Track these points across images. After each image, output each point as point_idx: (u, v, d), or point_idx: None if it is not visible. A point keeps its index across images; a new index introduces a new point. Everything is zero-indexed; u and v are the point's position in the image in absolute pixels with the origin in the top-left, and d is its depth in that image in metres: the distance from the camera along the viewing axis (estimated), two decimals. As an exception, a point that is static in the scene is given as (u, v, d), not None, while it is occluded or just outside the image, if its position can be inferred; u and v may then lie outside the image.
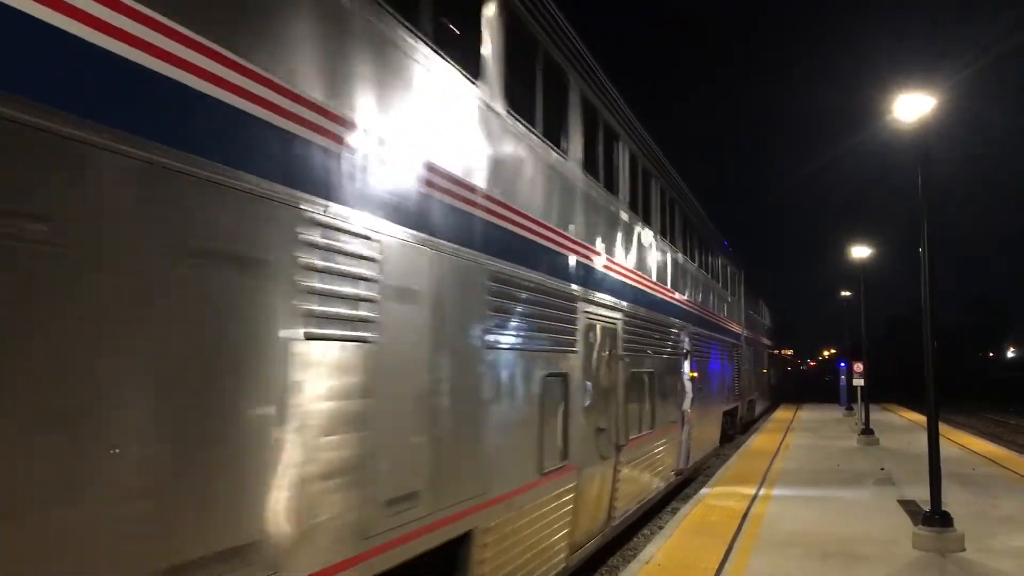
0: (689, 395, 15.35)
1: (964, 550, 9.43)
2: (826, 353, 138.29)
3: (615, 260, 10.56)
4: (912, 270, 11.02)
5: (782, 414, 37.34)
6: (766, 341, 43.13)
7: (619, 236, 10.96)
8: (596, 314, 9.38)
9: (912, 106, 10.57)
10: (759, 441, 23.61)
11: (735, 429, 25.99)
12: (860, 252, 27.84)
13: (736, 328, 27.15)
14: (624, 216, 11.25)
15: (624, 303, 10.88)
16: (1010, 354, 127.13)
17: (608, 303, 10.00)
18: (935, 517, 9.73)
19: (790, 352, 61.35)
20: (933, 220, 10.73)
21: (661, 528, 11.72)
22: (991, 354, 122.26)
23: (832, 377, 59.29)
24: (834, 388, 45.57)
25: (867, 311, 28.19)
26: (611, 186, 10.74)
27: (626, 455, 10.54)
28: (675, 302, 15.05)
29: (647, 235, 12.77)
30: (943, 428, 13.87)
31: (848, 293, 40.85)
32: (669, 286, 14.51)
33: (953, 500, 10.99)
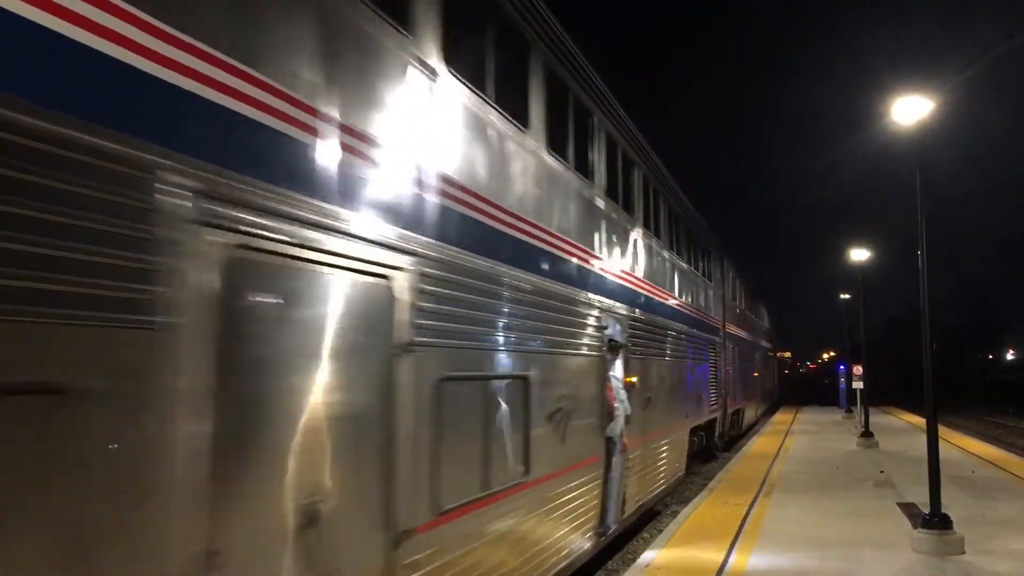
0: (622, 412, 10.40)
1: (964, 553, 9.42)
2: (826, 356, 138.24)
3: (375, 140, 4.99)
4: (911, 271, 10.98)
5: (782, 417, 37.33)
6: (760, 341, 37.98)
7: (405, 101, 5.44)
8: (275, 237, 3.96)
9: (910, 109, 10.57)
10: (759, 444, 23.60)
11: (716, 446, 21.51)
12: (859, 255, 27.89)
13: (713, 321, 21.62)
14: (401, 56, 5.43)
15: (422, 240, 5.46)
16: (1009, 356, 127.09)
17: (356, 232, 4.66)
18: (934, 520, 9.72)
19: (788, 354, 60.90)
20: (932, 223, 10.73)
21: (660, 531, 11.70)
22: (990, 356, 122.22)
23: (831, 380, 59.27)
24: (833, 391, 45.58)
25: (866, 313, 28.26)
26: None
27: (433, 544, 5.30)
28: (586, 265, 9.52)
29: (513, 142, 7.27)
30: (942, 431, 13.86)
31: (847, 296, 40.93)
32: (573, 239, 8.96)
33: (952, 503, 10.97)
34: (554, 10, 8.28)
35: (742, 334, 29.46)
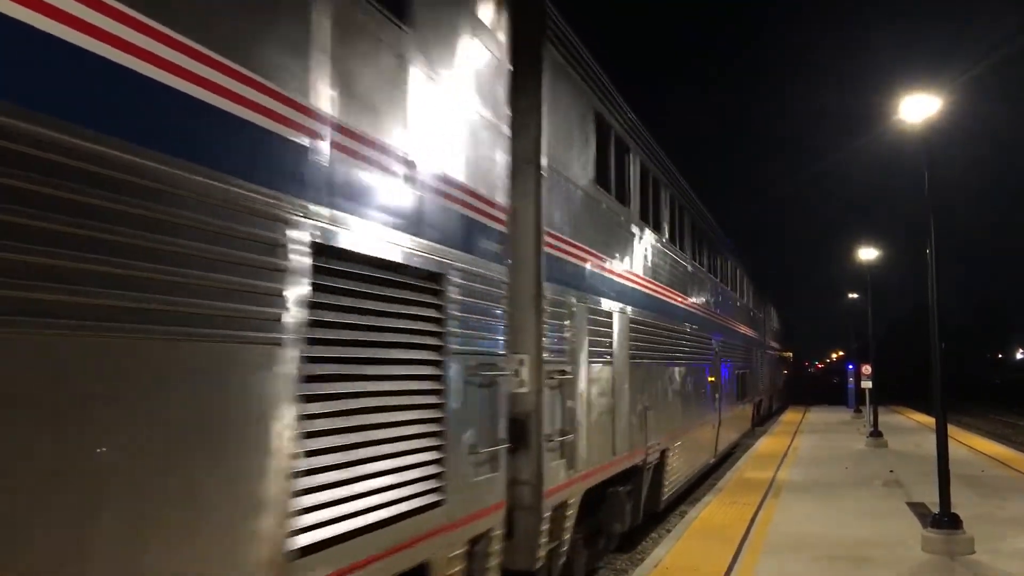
0: None
1: (973, 552, 9.40)
2: (834, 355, 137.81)
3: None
4: (915, 273, 11.02)
5: (790, 416, 37.25)
6: (735, 323, 24.48)
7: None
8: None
9: (918, 107, 10.56)
10: (767, 444, 23.55)
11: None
12: (867, 254, 27.86)
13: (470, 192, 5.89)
14: None
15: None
16: (1019, 355, 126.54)
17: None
18: (944, 519, 9.71)
19: (789, 354, 59.89)
20: (938, 221, 10.72)
21: (669, 531, 11.71)
22: (999, 355, 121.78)
23: (839, 379, 59.10)
24: (842, 391, 45.48)
25: (872, 314, 28.11)
26: None
27: None
28: None
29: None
30: (951, 430, 13.84)
31: (855, 295, 40.87)
32: None
33: (962, 502, 10.95)
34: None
35: (663, 293, 13.09)
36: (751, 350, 28.26)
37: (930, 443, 11.63)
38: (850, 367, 41.63)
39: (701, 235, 17.75)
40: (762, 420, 32.55)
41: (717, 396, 18.16)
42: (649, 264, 12.00)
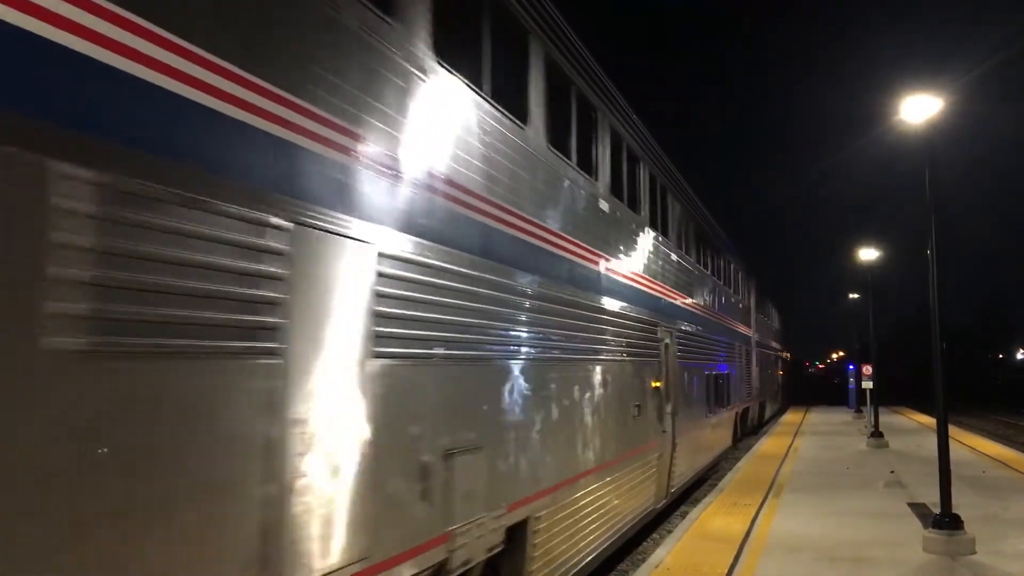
0: None
1: (975, 553, 9.38)
2: (835, 356, 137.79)
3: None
4: (916, 274, 11.01)
5: (791, 417, 37.24)
6: (726, 320, 22.61)
7: None
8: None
9: (919, 107, 10.56)
10: (768, 445, 23.52)
11: None
12: (868, 255, 27.86)
13: None
14: None
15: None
16: (1020, 355, 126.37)
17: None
18: (945, 520, 9.69)
19: (788, 355, 59.84)
20: (939, 222, 10.71)
21: (670, 532, 11.70)
22: (1000, 356, 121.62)
23: (840, 380, 59.11)
24: (843, 391, 45.53)
25: (874, 315, 28.11)
26: None
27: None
28: None
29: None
30: (953, 431, 13.84)
31: (856, 295, 40.87)
32: None
33: (963, 503, 10.93)
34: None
35: (530, 231, 7.34)
36: (736, 346, 23.75)
37: (931, 444, 11.62)
38: (851, 368, 41.66)
39: (642, 170, 12.11)
40: (753, 430, 28.04)
41: (670, 408, 12.88)
42: (481, 163, 6.38)
